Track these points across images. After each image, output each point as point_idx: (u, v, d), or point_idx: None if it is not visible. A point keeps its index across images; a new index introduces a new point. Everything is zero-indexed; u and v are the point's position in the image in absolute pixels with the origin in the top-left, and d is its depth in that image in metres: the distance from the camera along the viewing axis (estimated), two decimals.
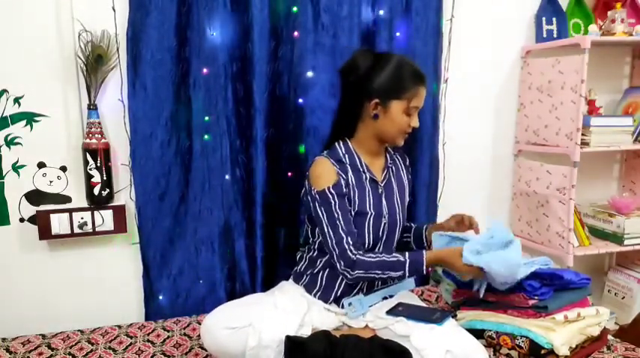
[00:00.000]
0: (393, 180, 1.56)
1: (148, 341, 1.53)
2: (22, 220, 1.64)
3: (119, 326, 1.61)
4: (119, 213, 1.66)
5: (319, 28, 1.72)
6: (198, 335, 1.50)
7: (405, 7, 1.81)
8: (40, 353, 1.45)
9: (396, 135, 1.47)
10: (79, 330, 1.58)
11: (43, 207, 1.61)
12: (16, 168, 1.61)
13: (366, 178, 1.49)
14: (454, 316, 1.46)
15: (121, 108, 1.65)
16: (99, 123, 1.61)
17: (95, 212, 1.64)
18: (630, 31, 1.92)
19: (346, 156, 1.48)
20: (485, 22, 2.01)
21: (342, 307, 1.48)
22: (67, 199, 1.67)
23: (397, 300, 1.49)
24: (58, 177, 1.65)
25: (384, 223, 1.50)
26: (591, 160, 2.15)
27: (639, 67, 2.21)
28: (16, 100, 1.58)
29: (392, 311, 1.42)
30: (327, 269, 1.50)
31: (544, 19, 2.05)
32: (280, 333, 1.28)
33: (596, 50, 1.89)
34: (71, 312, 1.71)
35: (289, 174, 1.77)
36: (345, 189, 1.44)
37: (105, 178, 1.62)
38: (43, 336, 1.53)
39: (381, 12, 1.77)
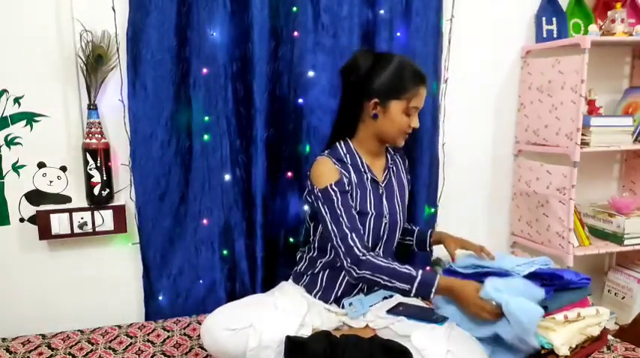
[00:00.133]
0: (393, 180, 1.56)
1: (148, 341, 1.53)
2: (22, 220, 1.64)
3: (119, 326, 1.61)
4: (119, 213, 1.66)
5: (319, 28, 1.72)
6: (198, 335, 1.50)
7: (405, 7, 1.81)
8: (40, 353, 1.45)
9: (396, 136, 1.47)
10: (79, 330, 1.58)
11: (43, 207, 1.61)
12: (16, 168, 1.61)
13: (367, 178, 1.49)
14: None
15: (121, 108, 1.65)
16: (99, 123, 1.61)
17: (95, 212, 1.64)
18: (630, 31, 1.92)
19: (347, 156, 1.48)
20: (485, 22, 2.01)
21: (343, 307, 1.48)
22: (67, 199, 1.67)
23: (398, 300, 1.49)
24: (58, 177, 1.66)
25: (385, 223, 1.50)
26: (591, 160, 2.15)
27: (639, 67, 2.21)
28: (16, 100, 1.58)
29: (392, 311, 1.42)
30: (327, 270, 1.50)
31: (544, 19, 2.05)
32: (280, 334, 1.28)
33: (596, 50, 1.89)
34: (71, 312, 1.71)
35: (289, 174, 1.77)
36: (347, 187, 1.43)
37: (105, 178, 1.62)
38: (43, 336, 1.54)
39: (381, 12, 1.77)
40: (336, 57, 1.72)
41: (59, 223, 1.61)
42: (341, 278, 1.49)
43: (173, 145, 1.68)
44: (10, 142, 1.60)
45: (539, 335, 1.28)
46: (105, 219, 1.65)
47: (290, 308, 1.40)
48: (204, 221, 1.73)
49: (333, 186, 1.41)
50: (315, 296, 1.49)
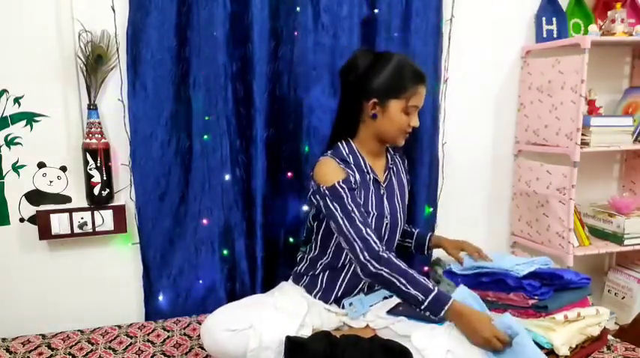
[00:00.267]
0: (394, 180, 1.56)
1: (148, 341, 1.53)
2: (22, 220, 1.64)
3: (119, 326, 1.61)
4: (119, 213, 1.66)
5: (319, 28, 1.72)
6: (198, 335, 1.50)
7: (405, 7, 1.80)
8: (40, 353, 1.45)
9: (396, 135, 1.47)
10: (79, 330, 1.58)
11: (43, 207, 1.61)
12: (16, 168, 1.61)
13: (369, 179, 1.48)
14: None
15: (121, 108, 1.65)
16: (99, 123, 1.61)
17: (95, 212, 1.64)
18: (630, 31, 1.92)
19: (350, 156, 1.48)
20: (485, 22, 2.01)
21: (343, 307, 1.48)
22: (67, 199, 1.67)
23: (398, 300, 1.49)
24: (58, 177, 1.65)
25: (386, 223, 1.50)
26: (591, 160, 2.15)
27: (639, 67, 2.21)
28: (16, 100, 1.58)
29: (393, 311, 1.42)
30: (328, 271, 1.49)
31: (544, 19, 2.05)
32: (281, 334, 1.28)
33: (596, 50, 1.89)
34: (71, 312, 1.71)
35: (289, 174, 1.77)
36: (354, 185, 1.43)
37: (105, 178, 1.62)
38: (43, 336, 1.54)
39: (381, 12, 1.77)
40: (336, 57, 1.72)
41: (59, 223, 1.61)
42: (341, 279, 1.49)
43: (173, 145, 1.68)
44: (10, 142, 1.60)
45: (531, 333, 1.29)
46: (105, 219, 1.65)
47: (290, 308, 1.40)
48: (204, 221, 1.73)
49: (341, 184, 1.40)
50: (315, 296, 1.49)
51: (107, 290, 1.74)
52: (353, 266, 1.50)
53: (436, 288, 1.29)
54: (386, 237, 1.51)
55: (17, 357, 1.43)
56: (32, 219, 1.64)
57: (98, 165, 1.60)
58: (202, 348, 1.44)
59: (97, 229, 1.64)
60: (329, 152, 1.50)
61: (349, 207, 1.37)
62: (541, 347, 1.27)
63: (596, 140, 1.89)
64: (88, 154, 1.59)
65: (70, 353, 1.45)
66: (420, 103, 1.46)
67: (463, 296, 1.30)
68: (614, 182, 2.33)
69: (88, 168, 1.60)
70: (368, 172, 1.48)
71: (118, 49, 1.61)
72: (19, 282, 1.67)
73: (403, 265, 1.32)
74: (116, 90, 1.64)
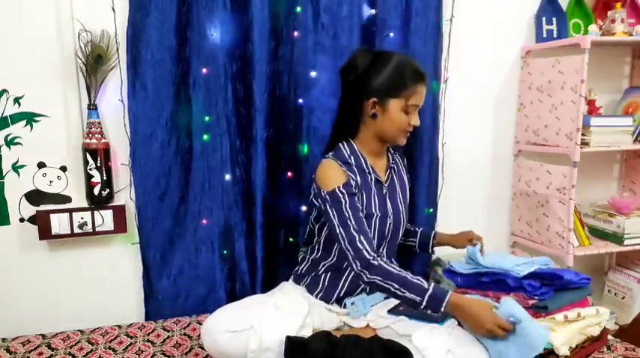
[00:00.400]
0: (395, 180, 1.56)
1: (148, 341, 1.53)
2: (22, 220, 1.64)
3: (119, 326, 1.61)
4: (119, 213, 1.66)
5: (319, 28, 1.72)
6: (198, 335, 1.50)
7: (405, 8, 1.80)
8: (40, 353, 1.45)
9: (397, 134, 1.47)
10: (79, 330, 1.58)
11: (43, 207, 1.61)
12: (16, 168, 1.61)
13: (371, 179, 1.48)
14: (454, 316, 1.46)
15: (121, 108, 1.65)
16: (99, 123, 1.61)
17: (95, 212, 1.64)
18: (630, 31, 1.92)
19: (351, 157, 1.48)
20: (485, 22, 2.01)
21: (344, 307, 1.47)
22: (67, 199, 1.67)
23: None
24: (58, 177, 1.65)
25: (390, 223, 1.50)
26: (591, 160, 2.15)
27: (639, 67, 2.21)
28: (16, 100, 1.58)
29: (393, 311, 1.42)
30: (330, 272, 1.49)
31: (544, 19, 2.05)
32: (281, 335, 1.28)
33: (596, 50, 1.89)
34: (71, 312, 1.71)
35: (289, 174, 1.77)
36: (354, 190, 1.42)
37: (105, 178, 1.62)
38: (43, 336, 1.54)
39: (381, 12, 1.77)
40: (336, 57, 1.72)
41: (59, 223, 1.61)
42: (343, 279, 1.49)
43: (173, 145, 1.68)
44: (10, 142, 1.60)
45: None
46: (105, 219, 1.65)
47: (290, 308, 1.40)
48: (204, 221, 1.73)
49: (341, 189, 1.40)
50: (316, 296, 1.49)
51: (107, 290, 1.74)
52: None
53: (431, 286, 1.29)
54: (389, 237, 1.51)
55: (17, 357, 1.43)
56: (32, 219, 1.64)
57: (98, 165, 1.60)
58: (202, 348, 1.44)
59: (97, 229, 1.64)
60: (330, 154, 1.50)
61: (346, 214, 1.38)
62: None
63: (596, 140, 1.89)
64: (88, 154, 1.59)
65: (70, 353, 1.45)
66: (420, 102, 1.46)
67: (510, 306, 1.26)
68: (614, 182, 2.33)
69: (88, 168, 1.60)
70: (369, 173, 1.48)
71: (118, 49, 1.61)
72: (19, 282, 1.67)
73: (395, 270, 1.32)
74: (116, 91, 1.64)
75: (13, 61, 1.56)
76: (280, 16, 1.69)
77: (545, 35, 2.05)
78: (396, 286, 1.30)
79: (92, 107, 1.59)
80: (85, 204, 1.64)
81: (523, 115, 2.08)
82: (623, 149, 2.02)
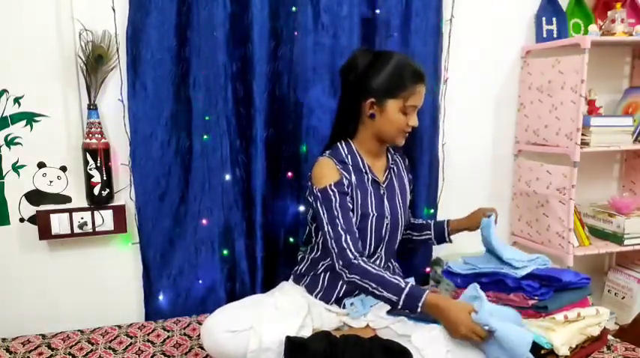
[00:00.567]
0: (394, 180, 1.56)
1: (148, 341, 1.53)
2: (22, 220, 1.64)
3: (119, 326, 1.61)
4: (119, 213, 1.66)
5: (319, 28, 1.72)
6: (198, 335, 1.50)
7: (405, 8, 1.80)
8: (40, 353, 1.45)
9: (395, 135, 1.47)
10: (79, 330, 1.58)
11: (43, 207, 1.61)
12: (16, 168, 1.61)
13: (368, 179, 1.48)
14: None
15: (121, 108, 1.65)
16: (99, 123, 1.61)
17: (95, 212, 1.64)
18: (630, 31, 1.92)
19: (349, 156, 1.48)
20: (485, 22, 2.01)
21: (344, 307, 1.47)
22: (67, 199, 1.67)
23: None
24: (58, 177, 1.65)
25: (387, 224, 1.50)
26: (591, 160, 2.15)
27: (639, 67, 2.21)
28: (16, 100, 1.58)
29: (393, 311, 1.42)
30: (329, 272, 1.49)
31: (544, 19, 2.05)
32: (281, 335, 1.27)
33: (596, 50, 1.89)
34: (71, 312, 1.71)
35: (289, 174, 1.77)
36: (347, 189, 1.43)
37: (105, 178, 1.62)
38: (43, 336, 1.54)
39: (381, 12, 1.77)
40: (336, 57, 1.72)
41: (59, 223, 1.61)
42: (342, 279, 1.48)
43: (173, 145, 1.68)
44: (10, 142, 1.60)
45: (539, 336, 1.28)
46: (105, 219, 1.65)
47: (290, 308, 1.40)
48: (204, 221, 1.73)
49: (333, 187, 1.40)
50: (315, 296, 1.49)
51: (107, 290, 1.74)
52: None
53: (408, 286, 1.29)
54: (387, 237, 1.51)
55: (17, 357, 1.43)
56: (32, 219, 1.64)
57: (98, 165, 1.60)
58: (202, 348, 1.44)
59: (97, 229, 1.64)
60: (327, 152, 1.50)
61: (335, 212, 1.39)
62: (541, 348, 1.28)
63: (596, 140, 1.89)
64: (88, 154, 1.59)
65: (70, 353, 1.45)
66: (419, 103, 1.45)
67: (486, 314, 1.23)
68: (614, 182, 2.33)
69: (88, 168, 1.60)
70: (366, 172, 1.48)
71: (118, 49, 1.61)
72: (19, 282, 1.67)
73: (374, 269, 1.33)
74: (116, 91, 1.64)
75: (13, 61, 1.56)
76: (280, 16, 1.69)
77: (545, 35, 2.05)
78: (374, 285, 1.31)
79: (92, 107, 1.59)
80: (85, 204, 1.64)
81: (523, 115, 2.08)
82: (623, 149, 2.02)
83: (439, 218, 1.97)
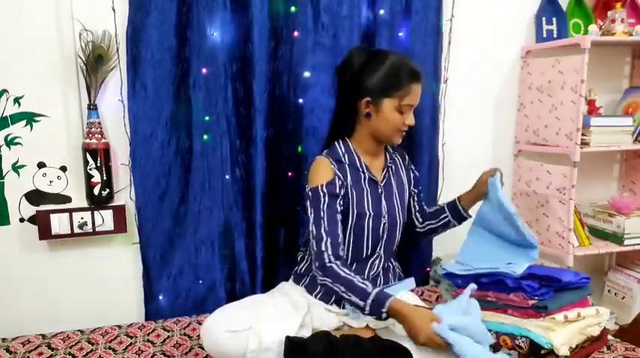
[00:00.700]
0: (392, 180, 1.56)
1: (148, 341, 1.53)
2: (22, 220, 1.64)
3: (119, 326, 1.61)
4: (119, 213, 1.66)
5: (319, 28, 1.72)
6: (198, 335, 1.50)
7: (405, 7, 1.81)
8: (40, 353, 1.45)
9: (392, 134, 1.47)
10: (79, 330, 1.58)
11: (43, 207, 1.61)
12: (16, 168, 1.61)
13: (364, 178, 1.48)
14: None
15: (121, 108, 1.65)
16: (99, 123, 1.61)
17: (95, 212, 1.64)
18: (630, 31, 1.92)
19: (346, 155, 1.48)
20: (485, 22, 2.01)
21: (344, 307, 1.47)
22: (67, 199, 1.67)
23: None
24: (58, 177, 1.65)
25: (384, 223, 1.50)
26: (591, 160, 2.15)
27: (639, 67, 2.21)
28: (16, 100, 1.58)
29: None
30: None
31: (544, 19, 2.05)
32: (281, 335, 1.27)
33: (596, 50, 1.89)
34: (71, 312, 1.71)
35: (289, 174, 1.77)
36: (338, 190, 1.43)
37: (105, 178, 1.62)
38: (43, 336, 1.53)
39: (381, 12, 1.77)
40: (336, 57, 1.72)
41: (59, 223, 1.61)
42: None
43: (173, 145, 1.68)
44: (10, 142, 1.60)
45: (539, 336, 1.28)
46: (105, 219, 1.65)
47: (290, 309, 1.40)
48: (204, 221, 1.72)
49: (324, 188, 1.41)
50: (315, 296, 1.48)
51: (107, 290, 1.74)
52: (354, 267, 1.50)
53: (374, 291, 1.28)
54: (385, 236, 1.51)
55: (17, 357, 1.43)
56: (32, 219, 1.64)
57: (98, 165, 1.60)
58: (202, 348, 1.43)
59: (97, 229, 1.64)
60: (325, 151, 1.51)
61: (321, 213, 1.39)
62: (541, 348, 1.28)
63: (596, 140, 1.89)
64: (88, 154, 1.59)
65: (70, 353, 1.45)
66: (415, 102, 1.45)
67: (444, 328, 1.22)
68: (614, 182, 2.33)
69: (88, 168, 1.60)
70: (363, 171, 1.48)
71: (118, 49, 1.61)
72: (19, 282, 1.67)
73: (344, 273, 1.32)
74: (116, 91, 1.64)
75: (13, 61, 1.56)
76: (280, 16, 1.69)
77: (545, 35, 2.05)
78: (343, 289, 1.32)
79: (92, 107, 1.59)
80: (85, 204, 1.64)
81: (523, 115, 2.08)
82: (623, 149, 2.02)
83: None
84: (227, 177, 1.72)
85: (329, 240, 1.36)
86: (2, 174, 1.61)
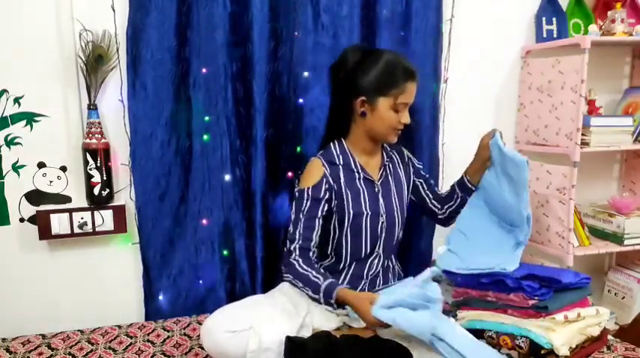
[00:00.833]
0: (390, 178, 1.56)
1: (148, 341, 1.53)
2: (22, 220, 1.64)
3: (119, 326, 1.61)
4: (119, 213, 1.66)
5: (319, 28, 1.72)
6: (198, 335, 1.50)
7: (405, 8, 1.81)
8: (40, 353, 1.45)
9: (387, 133, 1.47)
10: (79, 330, 1.58)
11: (43, 207, 1.61)
12: (16, 168, 1.61)
13: (359, 178, 1.48)
14: (454, 316, 1.46)
15: (121, 108, 1.65)
16: (99, 123, 1.61)
17: (95, 212, 1.64)
18: (630, 31, 1.92)
19: (340, 156, 1.48)
20: (485, 22, 2.01)
21: (344, 307, 1.47)
22: (67, 199, 1.67)
23: None
24: (58, 177, 1.66)
25: (382, 222, 1.50)
26: (591, 160, 2.15)
27: (639, 67, 2.21)
28: (16, 100, 1.58)
29: None
30: (329, 272, 1.49)
31: (544, 19, 2.05)
32: (281, 335, 1.27)
33: (596, 50, 1.89)
34: (71, 312, 1.71)
35: (289, 174, 1.77)
36: (322, 194, 1.45)
37: (105, 178, 1.62)
38: (43, 336, 1.53)
39: (381, 12, 1.77)
40: (336, 57, 1.72)
41: (59, 223, 1.61)
42: (341, 280, 1.49)
43: (173, 145, 1.68)
44: (10, 142, 1.60)
45: (539, 336, 1.28)
46: (105, 219, 1.65)
47: (290, 308, 1.40)
48: (204, 221, 1.73)
49: (309, 191, 1.44)
50: None
51: (107, 290, 1.74)
52: (353, 267, 1.50)
53: (324, 283, 1.35)
54: (383, 235, 1.52)
55: (17, 357, 1.43)
56: (32, 219, 1.64)
57: (98, 165, 1.60)
58: (202, 348, 1.43)
59: (97, 229, 1.64)
60: (319, 153, 1.51)
61: (300, 215, 1.44)
62: (541, 348, 1.28)
63: (596, 140, 1.89)
64: (88, 154, 1.59)
65: (70, 353, 1.45)
66: (410, 100, 1.45)
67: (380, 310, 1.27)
68: (614, 182, 2.33)
69: (88, 168, 1.60)
70: (358, 172, 1.49)
71: (118, 49, 1.61)
72: (19, 282, 1.67)
73: (302, 269, 1.40)
74: (116, 91, 1.64)
75: (13, 61, 1.56)
76: (280, 16, 1.69)
77: (545, 35, 2.05)
78: (301, 285, 1.40)
79: (92, 107, 1.59)
80: (85, 204, 1.64)
81: (523, 115, 2.08)
82: (623, 149, 2.02)
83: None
84: (227, 177, 1.72)
85: (300, 242, 1.42)
86: (2, 174, 1.61)
